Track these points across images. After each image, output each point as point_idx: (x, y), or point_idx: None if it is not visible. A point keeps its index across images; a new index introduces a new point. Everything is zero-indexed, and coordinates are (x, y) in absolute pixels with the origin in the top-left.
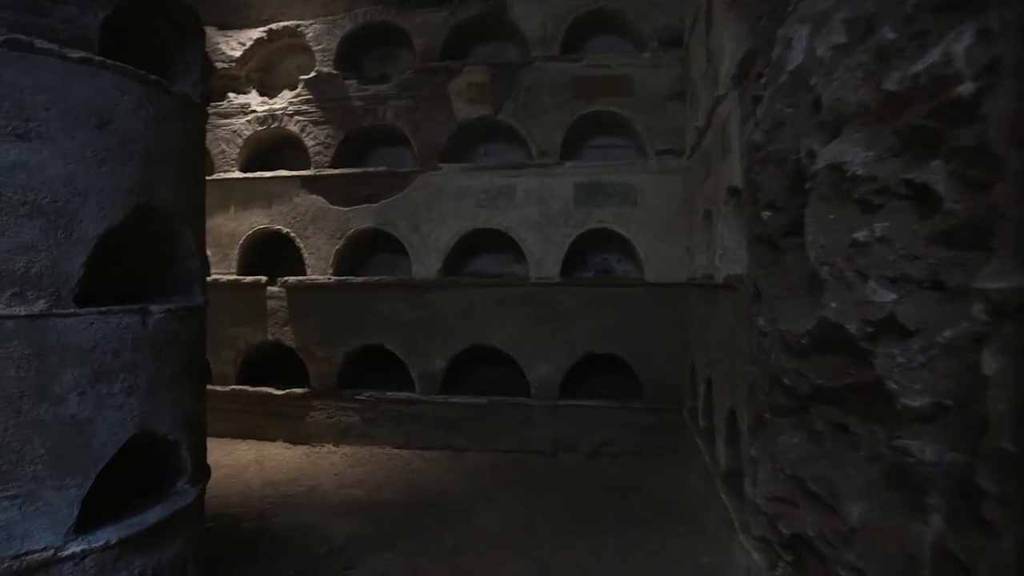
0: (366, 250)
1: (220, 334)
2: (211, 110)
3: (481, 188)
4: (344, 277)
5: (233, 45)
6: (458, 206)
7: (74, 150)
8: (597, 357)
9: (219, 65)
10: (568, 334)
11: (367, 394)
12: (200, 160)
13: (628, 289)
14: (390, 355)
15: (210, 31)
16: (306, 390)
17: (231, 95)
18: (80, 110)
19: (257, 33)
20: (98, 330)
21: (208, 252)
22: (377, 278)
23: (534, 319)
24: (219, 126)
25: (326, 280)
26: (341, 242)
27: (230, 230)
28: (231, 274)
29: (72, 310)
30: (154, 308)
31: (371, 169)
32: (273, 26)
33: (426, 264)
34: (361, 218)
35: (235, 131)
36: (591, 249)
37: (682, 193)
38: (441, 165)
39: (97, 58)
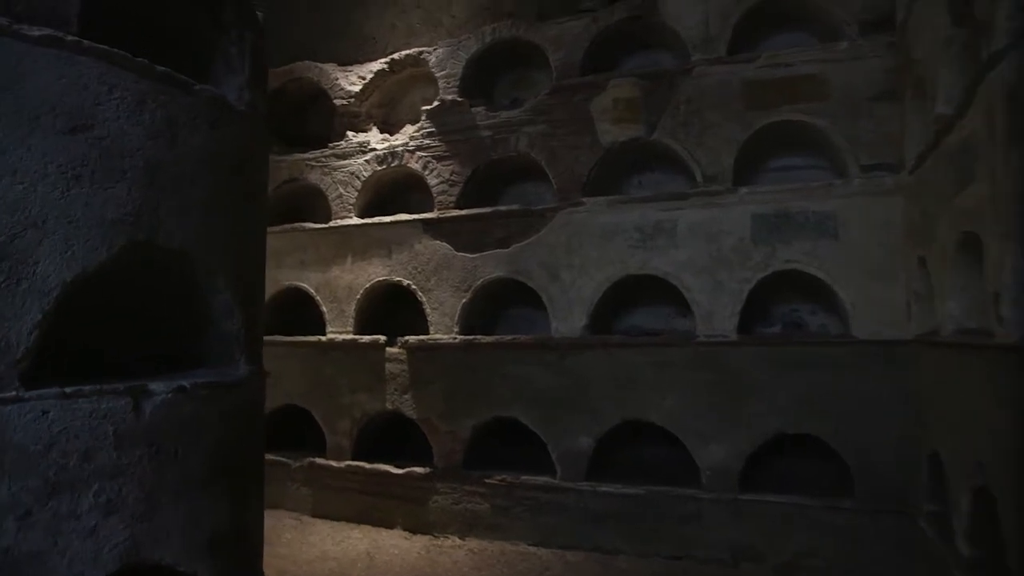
0: (497, 304)
1: (336, 401)
2: (328, 151)
3: (633, 225)
4: (471, 337)
5: (352, 80)
6: (605, 248)
7: (28, 164)
8: (788, 438)
9: (337, 102)
10: (749, 407)
11: (498, 477)
12: (250, 187)
13: (829, 348)
14: (526, 428)
15: (329, 67)
16: (428, 470)
17: (350, 134)
18: (41, 109)
19: (378, 65)
20: (57, 421)
21: (324, 308)
22: (510, 337)
23: (704, 388)
24: (336, 168)
25: (451, 340)
26: (468, 295)
27: (347, 283)
28: (347, 333)
29: (14, 393)
30: (155, 387)
31: (501, 208)
32: (395, 56)
33: (568, 320)
34: (491, 266)
35: (353, 172)
36: (777, 297)
37: (903, 219)
38: (584, 199)
39: (70, 38)
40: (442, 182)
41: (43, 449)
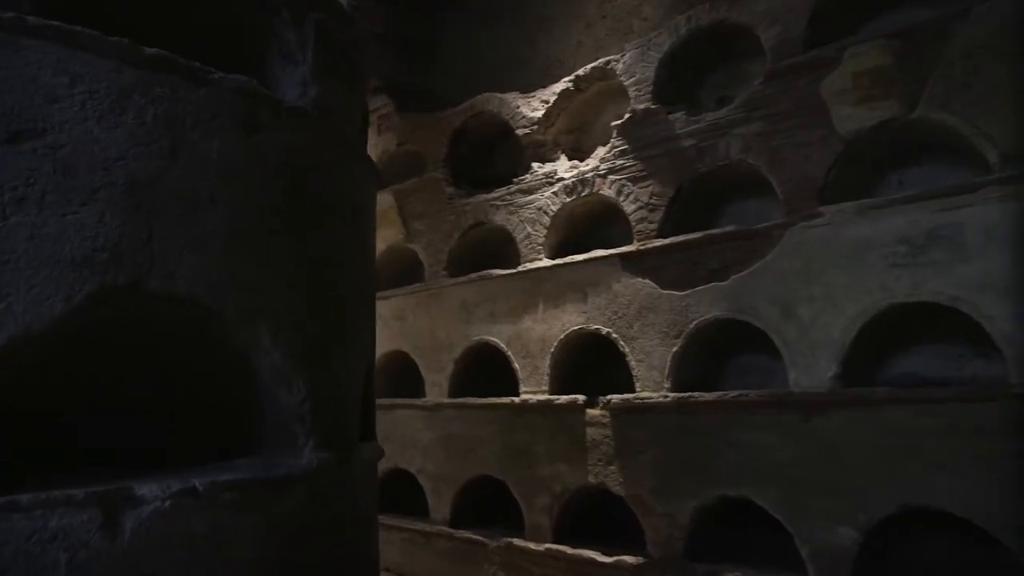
0: (716, 352)
1: (533, 472)
2: (513, 187)
3: (895, 236)
4: (686, 394)
5: (535, 105)
6: (857, 270)
7: None
8: None
9: (520, 132)
10: None
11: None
12: (326, 211)
13: None
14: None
15: (510, 96)
16: (641, 560)
17: (535, 165)
18: None
19: (561, 85)
20: None
21: (516, 365)
22: (735, 394)
23: None
24: (522, 205)
25: (661, 398)
26: (679, 342)
27: (540, 335)
28: (542, 392)
29: None
30: (145, 491)
31: (714, 232)
32: (578, 72)
33: (811, 369)
34: (705, 305)
35: (540, 208)
36: None
37: None
38: (822, 209)
39: (7, 16)
40: (640, 207)
41: None
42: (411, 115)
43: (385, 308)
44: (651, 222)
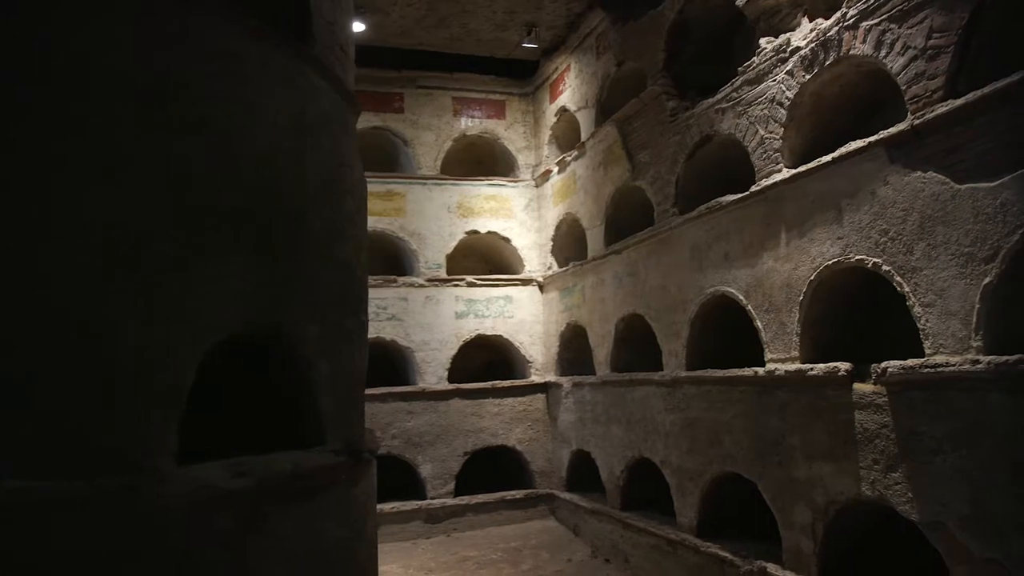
0: None
1: (787, 473)
2: (739, 79)
3: None
4: (1013, 358)
5: None
6: None
7: None
8: None
9: (739, 2)
10: None
11: None
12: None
13: None
14: None
15: None
16: None
17: (763, 42)
18: None
19: None
20: None
21: (758, 323)
22: None
23: None
24: (751, 102)
25: (968, 366)
26: (994, 268)
27: (784, 278)
28: (792, 360)
29: None
30: None
31: None
32: None
33: None
34: None
35: (772, 99)
36: None
37: None
38: None
39: None
40: (913, 58)
41: None
42: (627, 26)
43: (619, 264)
44: (933, 77)
